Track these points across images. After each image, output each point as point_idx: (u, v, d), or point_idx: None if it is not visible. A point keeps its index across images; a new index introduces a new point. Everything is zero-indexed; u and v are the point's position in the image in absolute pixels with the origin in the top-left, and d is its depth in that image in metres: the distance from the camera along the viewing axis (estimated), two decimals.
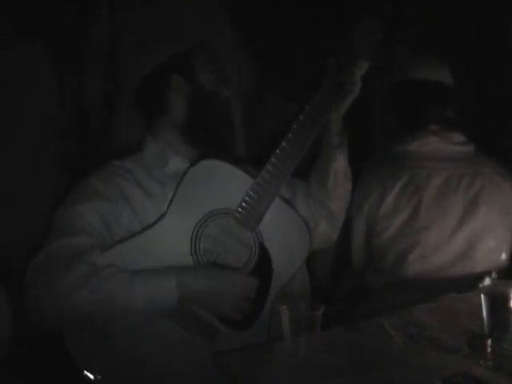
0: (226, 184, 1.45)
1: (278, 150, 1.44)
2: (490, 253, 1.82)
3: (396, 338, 1.32)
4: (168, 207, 1.43)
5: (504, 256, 1.84)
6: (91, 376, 1.35)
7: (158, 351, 1.38)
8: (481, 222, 1.81)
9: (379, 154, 1.98)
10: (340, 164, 1.64)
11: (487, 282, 1.49)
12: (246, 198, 1.43)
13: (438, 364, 1.19)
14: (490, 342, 1.21)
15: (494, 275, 1.67)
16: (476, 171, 1.85)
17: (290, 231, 1.47)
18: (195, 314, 1.40)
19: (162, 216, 1.43)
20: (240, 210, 1.43)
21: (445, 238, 1.80)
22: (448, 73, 1.95)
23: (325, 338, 1.27)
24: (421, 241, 1.80)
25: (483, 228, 1.81)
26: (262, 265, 1.44)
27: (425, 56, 2.00)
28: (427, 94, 1.92)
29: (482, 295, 1.26)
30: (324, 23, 2.09)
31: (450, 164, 1.86)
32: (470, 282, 1.62)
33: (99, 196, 1.45)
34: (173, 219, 1.42)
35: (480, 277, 1.67)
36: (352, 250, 1.91)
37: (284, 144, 1.44)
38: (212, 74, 1.54)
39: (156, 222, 1.43)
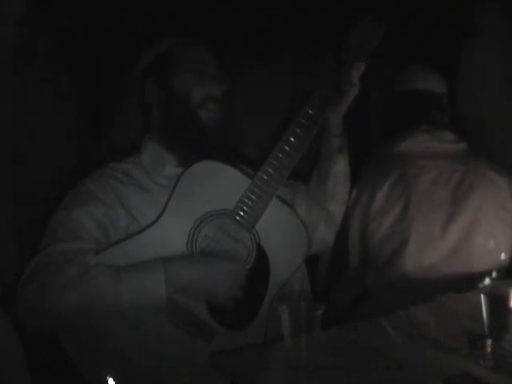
0: (223, 185, 1.45)
1: (276, 151, 1.44)
2: (487, 248, 1.81)
3: (396, 338, 1.31)
4: (164, 208, 1.43)
5: (503, 256, 1.84)
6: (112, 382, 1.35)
7: (155, 351, 1.38)
8: (473, 216, 1.81)
9: (374, 156, 1.99)
10: (340, 166, 1.64)
11: (487, 281, 1.49)
12: (243, 199, 1.42)
13: (438, 364, 1.19)
14: (490, 342, 1.21)
15: (494, 275, 1.67)
16: (468, 167, 1.85)
17: (287, 232, 1.46)
18: (191, 314, 1.39)
19: (159, 217, 1.43)
20: (237, 210, 1.42)
21: (436, 234, 1.80)
22: (439, 81, 1.96)
23: (325, 338, 1.27)
24: (412, 237, 1.80)
25: (477, 223, 1.81)
26: (260, 265, 1.44)
27: (417, 66, 2.01)
28: (419, 102, 1.94)
29: (481, 295, 1.26)
30: (324, 21, 2.09)
31: (442, 161, 1.87)
32: (470, 282, 1.62)
33: (95, 200, 1.45)
34: (169, 220, 1.42)
35: (480, 277, 1.67)
36: (349, 252, 1.91)
37: (282, 145, 1.44)
38: (191, 72, 1.53)
39: (153, 222, 1.43)
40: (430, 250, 1.80)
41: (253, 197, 1.42)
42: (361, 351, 1.25)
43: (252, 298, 1.43)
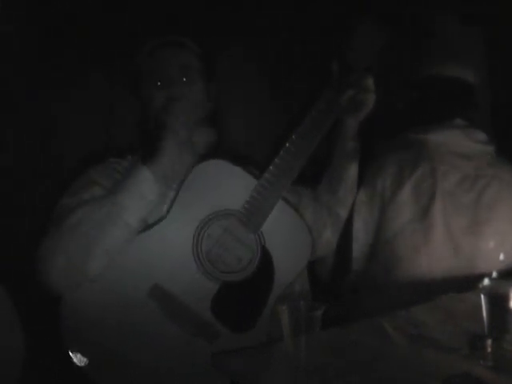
0: (230, 185, 1.45)
1: (282, 152, 1.43)
2: (500, 257, 1.79)
3: (396, 338, 1.32)
4: (170, 207, 1.43)
5: (502, 256, 1.83)
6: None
7: (155, 352, 1.38)
8: (493, 225, 1.78)
9: (393, 140, 1.93)
10: (352, 171, 1.63)
11: (487, 281, 1.49)
12: (249, 199, 1.43)
13: (438, 364, 1.19)
14: (490, 342, 1.21)
15: (494, 275, 1.67)
16: (494, 174, 1.83)
17: (292, 234, 1.47)
18: (195, 315, 1.40)
19: (165, 215, 1.43)
20: (243, 211, 1.43)
21: (455, 238, 1.77)
22: (469, 71, 1.93)
23: (325, 338, 1.27)
24: (430, 237, 1.76)
25: (495, 232, 1.78)
26: (264, 267, 1.44)
27: (452, 54, 1.98)
28: (455, 90, 1.90)
29: (481, 295, 1.26)
30: (325, 23, 2.09)
31: (469, 163, 1.83)
32: (470, 282, 1.62)
33: (99, 187, 1.46)
34: (175, 219, 1.42)
35: (480, 277, 1.66)
36: (354, 246, 1.87)
37: (289, 146, 1.43)
38: (153, 77, 1.52)
39: (158, 220, 1.43)
40: (445, 253, 1.77)
41: (259, 197, 1.42)
42: (361, 351, 1.25)
43: (256, 299, 1.43)
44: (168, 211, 1.43)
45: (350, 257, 1.87)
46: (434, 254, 1.77)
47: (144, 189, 1.39)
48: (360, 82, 1.48)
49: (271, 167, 1.43)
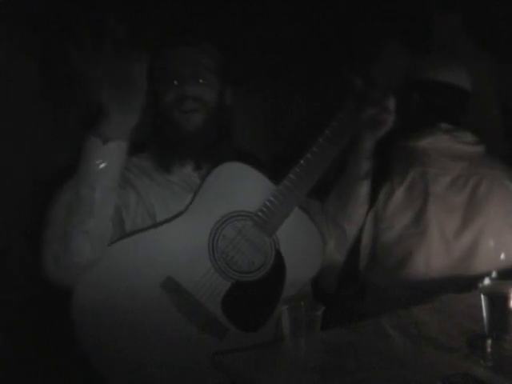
0: (248, 187, 1.46)
1: (302, 161, 1.44)
2: (495, 255, 1.80)
3: (396, 338, 1.32)
4: (188, 205, 1.44)
5: (503, 256, 1.83)
6: None
7: (163, 346, 1.39)
8: (486, 224, 1.79)
9: (390, 151, 1.96)
10: (363, 189, 1.62)
11: (487, 281, 1.49)
12: (267, 203, 1.43)
13: (438, 364, 1.19)
14: (490, 341, 1.22)
15: (494, 275, 1.67)
16: (485, 173, 1.83)
17: (307, 241, 1.48)
18: (206, 311, 1.40)
19: (181, 213, 1.44)
20: (259, 213, 1.43)
21: (449, 239, 1.79)
22: (465, 77, 1.93)
23: (325, 338, 1.27)
24: (426, 240, 1.78)
25: (489, 230, 1.79)
26: (277, 271, 1.45)
27: (443, 58, 1.99)
28: (441, 95, 1.90)
29: (481, 295, 1.26)
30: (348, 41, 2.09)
31: (459, 164, 1.84)
32: (470, 283, 1.62)
33: None
34: (193, 217, 1.43)
35: (480, 277, 1.67)
36: (361, 256, 1.87)
37: (309, 156, 1.44)
38: (166, 74, 1.52)
39: (174, 217, 1.44)
40: (443, 253, 1.78)
41: (276, 202, 1.43)
42: (361, 351, 1.25)
43: (266, 301, 1.44)
44: (186, 209, 1.43)
45: (356, 269, 1.87)
46: (431, 256, 1.78)
47: (92, 153, 1.31)
48: (382, 101, 1.47)
49: (291, 175, 1.44)
